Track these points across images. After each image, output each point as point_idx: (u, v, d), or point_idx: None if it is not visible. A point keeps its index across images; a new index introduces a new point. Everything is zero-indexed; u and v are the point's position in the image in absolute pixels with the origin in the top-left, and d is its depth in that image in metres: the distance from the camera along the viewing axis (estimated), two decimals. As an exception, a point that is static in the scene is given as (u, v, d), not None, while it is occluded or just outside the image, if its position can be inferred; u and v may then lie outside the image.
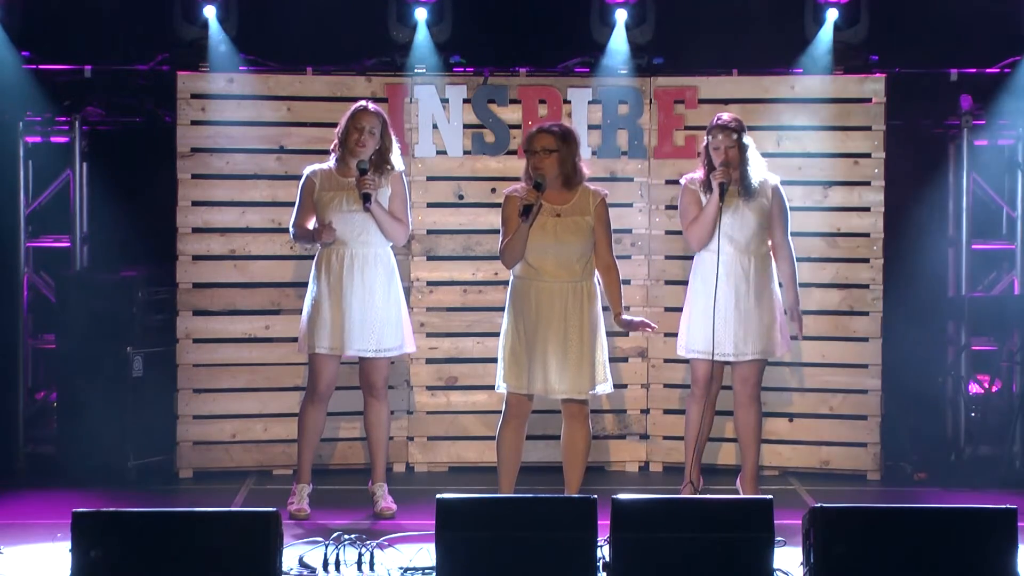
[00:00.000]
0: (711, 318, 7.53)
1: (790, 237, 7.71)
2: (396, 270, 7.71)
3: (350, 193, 7.56)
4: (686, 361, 7.95)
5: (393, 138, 7.68)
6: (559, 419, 7.38)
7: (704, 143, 7.65)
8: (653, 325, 7.37)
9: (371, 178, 7.51)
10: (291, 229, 7.73)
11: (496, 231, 7.46)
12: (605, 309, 7.33)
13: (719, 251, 7.56)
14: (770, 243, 7.70)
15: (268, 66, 8.88)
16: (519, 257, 7.18)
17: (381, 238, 7.62)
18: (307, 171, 7.71)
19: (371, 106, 7.64)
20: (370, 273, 7.59)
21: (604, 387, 7.27)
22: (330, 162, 7.67)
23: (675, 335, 7.87)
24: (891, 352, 8.79)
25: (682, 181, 7.75)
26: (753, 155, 7.63)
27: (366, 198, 7.48)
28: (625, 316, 7.29)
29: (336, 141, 7.65)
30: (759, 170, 7.64)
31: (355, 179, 7.53)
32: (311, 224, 7.63)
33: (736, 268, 7.59)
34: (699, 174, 7.67)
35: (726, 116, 7.64)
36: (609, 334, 7.51)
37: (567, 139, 7.21)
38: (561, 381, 7.16)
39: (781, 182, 7.72)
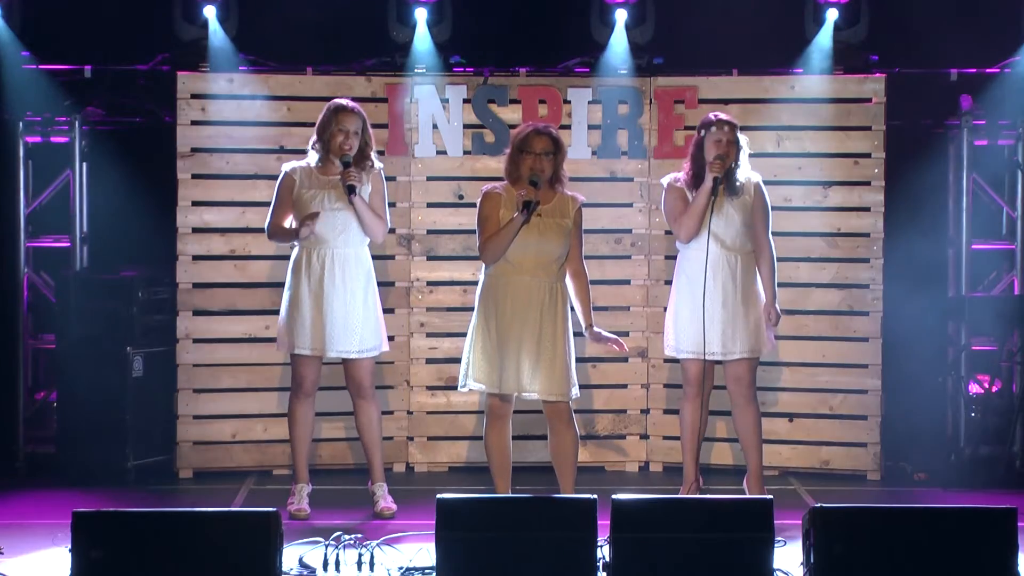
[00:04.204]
0: (700, 317, 7.53)
1: (771, 235, 7.66)
2: (373, 270, 7.71)
3: (332, 191, 7.55)
4: (679, 361, 7.93)
5: (371, 134, 7.68)
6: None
7: (697, 139, 7.63)
8: (623, 344, 7.33)
9: (355, 171, 7.52)
10: (266, 227, 7.69)
11: (496, 232, 7.46)
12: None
13: (707, 250, 7.55)
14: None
15: (268, 66, 8.88)
16: (503, 252, 7.16)
17: (361, 238, 7.61)
18: (286, 168, 7.68)
19: (352, 105, 7.62)
20: (351, 273, 7.59)
21: (573, 391, 7.24)
22: (309, 160, 7.67)
23: (673, 335, 7.87)
24: (891, 352, 8.79)
25: (664, 182, 7.74)
26: (743, 155, 7.63)
27: (351, 190, 7.47)
28: (597, 329, 7.27)
29: (315, 138, 7.64)
30: (745, 169, 7.64)
31: (340, 173, 7.53)
32: (288, 223, 7.61)
33: (724, 267, 7.58)
34: (683, 174, 7.66)
35: (724, 114, 7.65)
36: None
37: (561, 143, 7.27)
38: (534, 381, 7.13)
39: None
